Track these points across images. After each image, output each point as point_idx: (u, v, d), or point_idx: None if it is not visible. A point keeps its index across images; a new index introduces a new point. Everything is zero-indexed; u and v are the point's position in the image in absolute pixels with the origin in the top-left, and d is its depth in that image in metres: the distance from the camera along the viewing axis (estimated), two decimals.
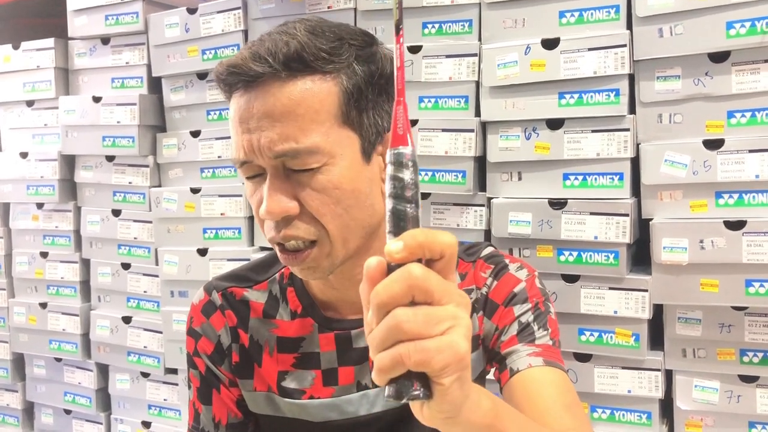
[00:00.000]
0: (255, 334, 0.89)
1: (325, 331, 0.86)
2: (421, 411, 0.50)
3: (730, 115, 1.26)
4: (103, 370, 1.96)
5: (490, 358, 0.88)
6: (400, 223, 0.49)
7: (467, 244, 0.96)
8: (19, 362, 2.10)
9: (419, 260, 0.47)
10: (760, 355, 1.26)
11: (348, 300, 0.86)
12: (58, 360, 2.01)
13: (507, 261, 0.90)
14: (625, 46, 1.29)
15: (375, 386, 0.86)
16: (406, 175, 0.49)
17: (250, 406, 0.90)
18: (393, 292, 0.46)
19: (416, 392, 0.47)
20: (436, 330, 0.46)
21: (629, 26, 1.31)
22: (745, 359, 1.27)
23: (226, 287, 0.91)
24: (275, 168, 0.74)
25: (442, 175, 1.46)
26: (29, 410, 2.13)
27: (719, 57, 1.25)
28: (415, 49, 1.47)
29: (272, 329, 0.88)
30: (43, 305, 1.99)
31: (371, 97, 0.78)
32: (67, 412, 2.02)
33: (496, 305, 0.87)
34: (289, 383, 0.87)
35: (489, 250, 0.93)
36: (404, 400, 0.48)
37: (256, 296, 0.90)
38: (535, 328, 0.84)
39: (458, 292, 0.48)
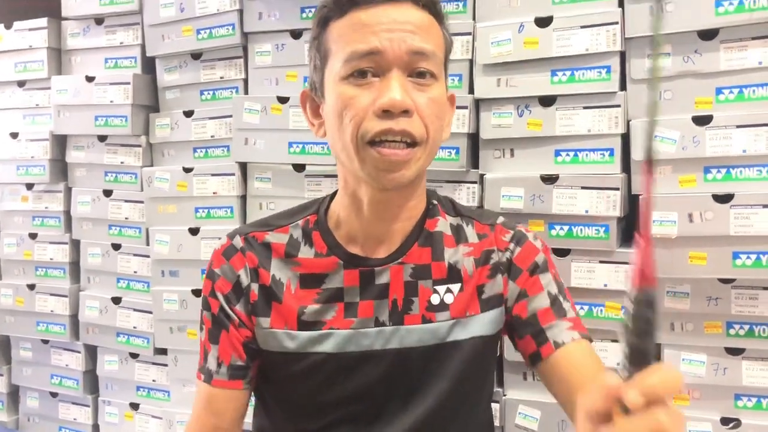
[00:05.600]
0: (277, 273, 0.92)
1: (350, 267, 0.91)
2: None
3: (719, 91, 1.29)
4: (91, 352, 1.95)
5: (518, 324, 0.94)
6: (643, 360, 0.51)
7: (472, 207, 0.99)
8: (4, 345, 2.09)
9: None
10: (746, 327, 1.28)
11: (376, 236, 0.91)
12: (45, 342, 1.99)
13: (523, 230, 1.00)
14: (617, 23, 1.32)
15: (392, 324, 0.90)
16: (652, 315, 0.52)
17: (262, 344, 0.92)
18: None
19: None
20: None
21: (621, 4, 1.34)
22: (732, 332, 1.29)
23: (248, 232, 0.95)
24: (404, 68, 0.82)
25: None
26: (14, 394, 2.11)
27: (708, 35, 1.28)
28: None
29: (294, 267, 0.92)
30: (31, 287, 1.97)
31: (447, 63, 0.91)
32: (54, 395, 2.01)
33: (520, 270, 0.95)
34: (309, 317, 0.90)
35: (502, 218, 1.01)
36: None
37: (277, 238, 0.94)
38: (562, 300, 0.94)
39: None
